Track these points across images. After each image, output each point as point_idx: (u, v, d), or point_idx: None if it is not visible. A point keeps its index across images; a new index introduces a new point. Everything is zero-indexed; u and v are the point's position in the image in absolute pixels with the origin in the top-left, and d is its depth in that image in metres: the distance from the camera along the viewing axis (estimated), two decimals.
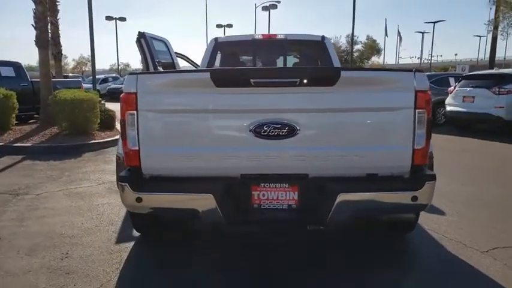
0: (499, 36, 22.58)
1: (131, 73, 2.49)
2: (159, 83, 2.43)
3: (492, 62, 17.51)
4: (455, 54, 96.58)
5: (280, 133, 2.36)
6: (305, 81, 2.31)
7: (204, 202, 2.37)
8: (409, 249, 3.41)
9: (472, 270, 2.94)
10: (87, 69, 55.56)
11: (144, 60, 4.46)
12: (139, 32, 4.51)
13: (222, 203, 2.35)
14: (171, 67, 4.89)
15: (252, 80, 2.31)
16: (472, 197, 4.77)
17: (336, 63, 4.98)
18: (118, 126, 10.38)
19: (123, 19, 39.92)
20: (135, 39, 4.51)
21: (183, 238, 3.60)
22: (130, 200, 2.43)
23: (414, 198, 2.34)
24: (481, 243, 3.36)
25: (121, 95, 2.50)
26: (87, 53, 77.47)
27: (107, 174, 6.06)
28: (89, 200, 4.76)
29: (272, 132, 2.36)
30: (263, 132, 2.37)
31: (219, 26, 41.76)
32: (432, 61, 62.50)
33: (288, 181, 2.46)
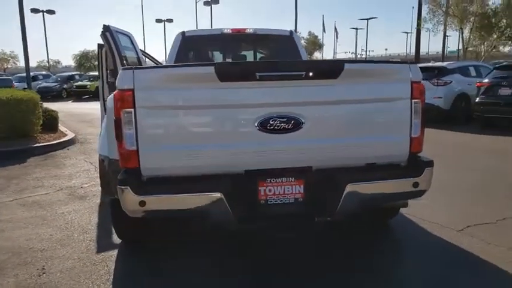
0: (430, 33, 24.30)
1: (126, 68, 2.32)
2: (157, 78, 2.29)
3: (417, 55, 18.87)
4: (386, 49, 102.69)
5: (286, 127, 2.34)
6: (310, 74, 2.30)
7: (213, 201, 2.28)
8: (391, 232, 3.58)
9: (454, 248, 3.16)
10: (9, 66, 50.97)
11: (111, 56, 4.17)
12: (104, 25, 4.21)
13: (231, 201, 2.28)
14: (136, 64, 4.64)
15: (257, 74, 2.26)
16: (439, 183, 5.11)
17: (304, 57, 5.06)
18: (62, 128, 9.71)
19: (51, 12, 37.13)
20: (100, 32, 4.20)
21: (170, 241, 3.46)
22: (132, 205, 2.27)
23: (415, 184, 2.45)
24: (455, 223, 3.62)
25: (115, 92, 2.32)
26: (8, 49, 71.21)
27: (62, 179, 5.63)
28: (50, 208, 4.39)
29: (278, 126, 2.33)
30: (269, 126, 2.33)
31: (158, 20, 40.48)
32: (365, 56, 65.95)
33: (294, 175, 2.46)
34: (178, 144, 2.33)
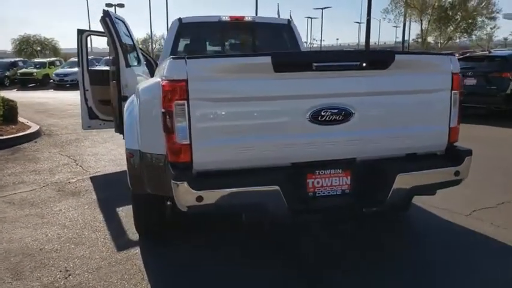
0: (391, 23, 25.32)
1: (175, 57, 2.24)
2: (212, 68, 2.23)
3: (367, 45, 19.64)
4: (337, 39, 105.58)
5: (337, 118, 2.39)
6: (364, 64, 2.36)
7: (271, 194, 2.29)
8: (404, 219, 3.77)
9: (467, 231, 3.40)
10: None
11: (112, 43, 3.98)
12: (104, 10, 4.00)
13: (287, 194, 2.31)
14: (132, 50, 4.47)
15: (314, 64, 2.28)
16: None
17: (303, 47, 5.11)
18: (21, 119, 9.11)
19: None
20: (100, 18, 3.98)
21: (191, 235, 3.40)
22: (189, 200, 2.21)
23: (457, 173, 2.61)
24: (462, 209, 3.87)
25: (163, 83, 2.24)
26: None
27: (43, 175, 5.33)
28: (44, 206, 4.15)
29: (329, 117, 2.38)
30: (320, 117, 2.37)
31: (108, 5, 38.58)
32: (317, 45, 67.35)
33: (341, 166, 2.52)
34: (231, 137, 2.31)
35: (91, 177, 5.22)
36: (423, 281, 2.71)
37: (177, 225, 3.45)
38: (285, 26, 5.04)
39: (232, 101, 2.30)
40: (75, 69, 22.50)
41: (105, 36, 4.29)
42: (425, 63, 2.61)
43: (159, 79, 2.51)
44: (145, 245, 3.20)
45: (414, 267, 2.88)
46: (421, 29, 24.16)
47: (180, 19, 4.66)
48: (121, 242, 3.29)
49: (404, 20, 24.53)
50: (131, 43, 4.51)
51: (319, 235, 3.35)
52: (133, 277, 2.73)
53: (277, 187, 2.29)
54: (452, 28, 22.30)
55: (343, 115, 2.40)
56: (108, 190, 4.63)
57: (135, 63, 4.39)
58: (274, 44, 5.02)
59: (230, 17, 4.87)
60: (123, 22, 4.52)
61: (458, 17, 21.55)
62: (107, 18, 3.96)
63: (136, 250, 3.12)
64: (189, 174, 2.22)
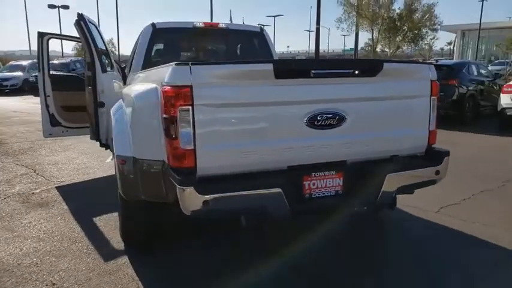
0: (341, 32, 26.46)
1: (179, 63, 2.26)
2: (215, 75, 2.28)
3: (317, 53, 20.40)
4: (288, 46, 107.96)
5: (331, 122, 2.52)
6: (356, 72, 2.52)
7: (274, 197, 2.36)
8: (380, 218, 3.99)
9: (438, 227, 3.68)
10: None
11: (87, 46, 3.86)
12: (78, 13, 3.87)
13: (288, 196, 2.39)
14: (106, 55, 4.36)
15: (312, 71, 2.39)
16: None
17: (275, 55, 5.24)
18: None
19: None
20: (75, 21, 3.85)
21: (177, 241, 3.38)
22: (195, 205, 2.23)
23: (437, 172, 2.83)
24: (431, 206, 4.16)
25: (165, 89, 2.25)
26: None
27: (1, 186, 5.03)
28: (11, 219, 3.93)
29: (324, 122, 2.50)
30: (316, 122, 2.48)
31: (51, 6, 36.79)
32: None
33: (334, 168, 2.64)
34: (233, 142, 2.36)
35: (57, 187, 4.99)
36: (403, 270, 2.91)
37: (162, 232, 3.42)
38: (257, 34, 5.14)
39: (234, 107, 2.35)
40: (16, 73, 21.29)
41: (67, 39, 4.17)
42: (408, 71, 2.82)
43: (155, 85, 2.52)
44: (131, 254, 3.14)
45: (397, 258, 3.08)
46: (372, 38, 25.58)
47: (153, 24, 4.61)
48: (106, 251, 3.20)
49: (357, 29, 25.77)
50: (103, 48, 4.41)
51: (308, 235, 3.47)
52: (128, 286, 2.69)
53: (279, 190, 2.37)
54: (400, 38, 23.84)
55: (337, 120, 2.54)
56: (79, 200, 4.47)
57: (109, 69, 4.30)
58: (248, 50, 5.11)
59: (204, 23, 4.90)
60: (95, 26, 4.41)
61: (405, 27, 23.09)
62: (82, 22, 3.85)
63: (124, 259, 3.06)
64: (194, 179, 2.24)
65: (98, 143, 4.10)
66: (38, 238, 3.47)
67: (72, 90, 5.79)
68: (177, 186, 2.23)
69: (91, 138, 4.15)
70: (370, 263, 3.07)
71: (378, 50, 26.72)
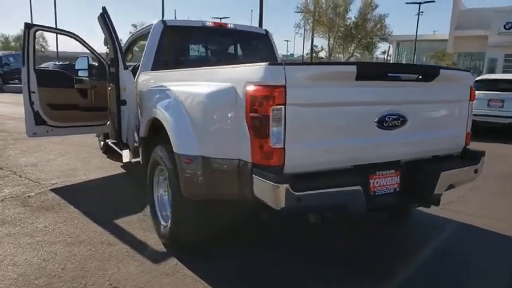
0: (302, 37, 27.33)
1: (272, 63, 2.34)
2: (305, 75, 2.38)
3: None
4: None
5: (396, 123, 2.74)
6: (420, 76, 2.76)
7: (355, 193, 2.51)
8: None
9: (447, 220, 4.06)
10: None
11: (111, 41, 3.74)
12: (102, 7, 3.73)
13: (365, 193, 2.56)
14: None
15: (389, 74, 2.59)
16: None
17: (278, 57, 5.42)
18: None
19: None
20: (98, 15, 3.70)
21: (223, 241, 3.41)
22: (289, 202, 2.31)
23: (476, 170, 3.15)
24: None
25: (256, 88, 2.33)
26: None
27: None
28: (22, 224, 3.71)
29: (391, 123, 2.71)
30: (385, 123, 2.69)
31: None
32: None
33: (394, 167, 2.85)
34: (316, 140, 2.48)
35: (52, 190, 4.74)
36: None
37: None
38: (263, 36, 5.29)
39: (318, 107, 2.48)
40: None
41: (57, 32, 4.01)
42: (457, 77, 3.13)
43: (230, 84, 2.57)
44: (179, 255, 3.11)
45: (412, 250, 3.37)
46: (328, 45, 26.77)
47: (163, 21, 4.58)
48: (149, 253, 3.15)
49: (312, 35, 26.82)
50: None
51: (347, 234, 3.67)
52: (195, 286, 2.70)
53: (360, 187, 2.54)
54: (354, 45, 25.22)
55: (400, 121, 2.76)
56: (85, 202, 4.29)
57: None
58: (254, 51, 5.23)
59: (213, 23, 4.95)
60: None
61: (360, 35, 24.46)
62: (105, 16, 3.73)
63: (174, 260, 3.03)
64: (289, 177, 2.33)
65: (116, 143, 3.96)
66: (66, 242, 3.32)
67: (60, 87, 5.53)
68: (272, 183, 2.31)
69: (110, 138, 4.00)
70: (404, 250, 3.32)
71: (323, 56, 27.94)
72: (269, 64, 2.35)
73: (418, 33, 33.16)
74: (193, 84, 2.98)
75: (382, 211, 3.00)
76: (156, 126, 3.44)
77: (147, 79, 4.01)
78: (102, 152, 6.76)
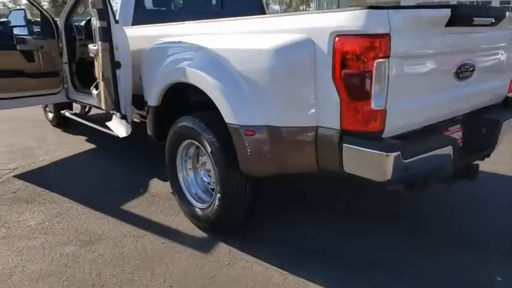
0: None
1: (372, 7, 1.97)
2: (406, 22, 2.05)
3: None
4: None
5: (467, 74, 2.57)
6: (493, 21, 2.56)
7: (450, 154, 2.31)
8: None
9: None
10: None
11: None
12: None
13: (454, 153, 2.39)
14: None
15: (474, 18, 2.36)
16: None
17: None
18: None
19: None
20: None
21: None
22: (397, 173, 2.04)
23: None
24: None
25: (353, 39, 1.96)
26: None
27: None
28: (3, 222, 3.05)
29: (465, 73, 2.53)
30: (460, 74, 2.50)
31: None
32: None
33: (459, 121, 2.71)
34: (409, 97, 2.22)
35: (16, 177, 4.00)
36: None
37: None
38: None
39: (413, 58, 2.20)
40: None
41: None
42: None
43: (303, 35, 2.17)
44: (226, 239, 2.75)
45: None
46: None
47: None
48: (190, 243, 2.74)
49: None
50: None
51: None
52: (267, 273, 2.39)
53: (451, 147, 2.35)
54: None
55: (471, 71, 2.60)
56: (70, 189, 3.65)
57: None
58: (241, 2, 4.76)
59: None
60: None
61: None
62: None
63: (225, 247, 2.67)
64: (399, 144, 2.06)
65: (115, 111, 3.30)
66: (80, 241, 2.78)
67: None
68: (377, 152, 2.02)
69: (107, 110, 3.34)
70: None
71: None
72: (370, 8, 1.99)
73: None
74: (239, 38, 2.51)
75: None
76: (175, 92, 2.95)
77: (147, 35, 3.40)
78: (53, 125, 5.88)
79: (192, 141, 2.81)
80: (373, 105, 2.03)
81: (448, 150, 2.34)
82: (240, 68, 2.39)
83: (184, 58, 2.77)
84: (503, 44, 2.93)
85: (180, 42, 2.88)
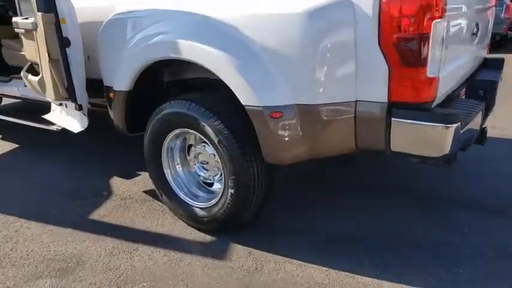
0: None
1: None
2: None
3: None
4: None
5: (476, 34, 2.53)
6: None
7: (477, 124, 2.24)
8: None
9: None
10: None
11: None
12: None
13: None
14: None
15: None
16: None
17: None
18: None
19: None
20: None
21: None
22: (455, 145, 1.86)
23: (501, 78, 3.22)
24: None
25: None
26: None
27: None
28: None
29: (475, 33, 2.49)
30: (472, 34, 2.45)
31: None
32: None
33: (464, 86, 2.65)
34: (451, 62, 2.10)
35: None
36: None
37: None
38: None
39: (455, 18, 2.09)
40: None
41: None
42: None
43: None
44: (239, 241, 2.42)
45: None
46: None
47: None
48: (206, 250, 2.34)
49: None
50: None
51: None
52: (306, 271, 2.12)
53: (481, 112, 2.28)
54: None
55: (476, 31, 2.55)
56: (6, 207, 2.97)
57: None
58: None
59: None
60: None
61: None
62: None
63: (243, 250, 2.33)
64: (455, 114, 1.89)
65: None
66: (56, 270, 2.21)
67: None
68: (437, 125, 1.83)
69: (57, 99, 2.61)
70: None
71: None
72: None
73: None
74: (247, 3, 2.10)
75: None
76: (152, 74, 2.46)
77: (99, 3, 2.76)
78: None
79: (186, 130, 2.37)
80: (429, 72, 1.84)
81: (480, 115, 2.27)
82: (259, 37, 2.00)
83: (169, 29, 2.26)
84: (491, 5, 2.96)
85: (157, 9, 2.36)
